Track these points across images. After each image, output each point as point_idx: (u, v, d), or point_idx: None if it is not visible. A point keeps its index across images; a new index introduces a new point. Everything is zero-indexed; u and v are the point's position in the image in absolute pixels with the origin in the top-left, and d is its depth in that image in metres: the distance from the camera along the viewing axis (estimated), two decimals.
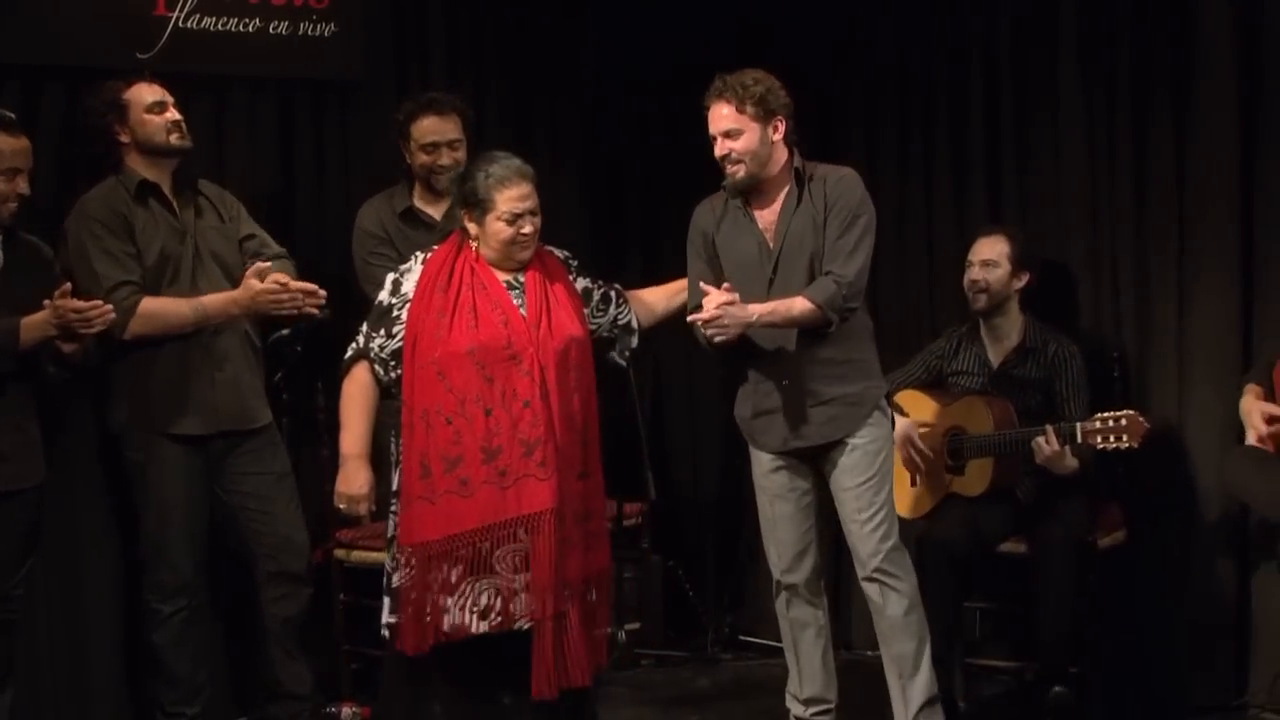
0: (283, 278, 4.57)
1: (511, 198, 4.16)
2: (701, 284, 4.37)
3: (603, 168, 6.15)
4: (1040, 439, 4.80)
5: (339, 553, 5.13)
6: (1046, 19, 5.31)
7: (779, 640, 4.72)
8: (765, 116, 4.33)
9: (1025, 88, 5.42)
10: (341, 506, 4.26)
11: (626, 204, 6.22)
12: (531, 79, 5.92)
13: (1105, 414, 4.74)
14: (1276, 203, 4.90)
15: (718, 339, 4.28)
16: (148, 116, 4.66)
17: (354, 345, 4.24)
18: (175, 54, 5.00)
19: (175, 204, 4.72)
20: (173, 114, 4.67)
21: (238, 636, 5.05)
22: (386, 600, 4.18)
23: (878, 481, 4.43)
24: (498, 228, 4.18)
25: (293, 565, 4.80)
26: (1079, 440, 4.76)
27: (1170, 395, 5.12)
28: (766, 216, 4.44)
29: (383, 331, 4.21)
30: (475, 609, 4.06)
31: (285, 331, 4.92)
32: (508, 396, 4.07)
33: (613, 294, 4.43)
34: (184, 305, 4.61)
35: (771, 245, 4.41)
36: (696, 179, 5.85)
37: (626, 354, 4.46)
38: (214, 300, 4.64)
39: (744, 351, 4.44)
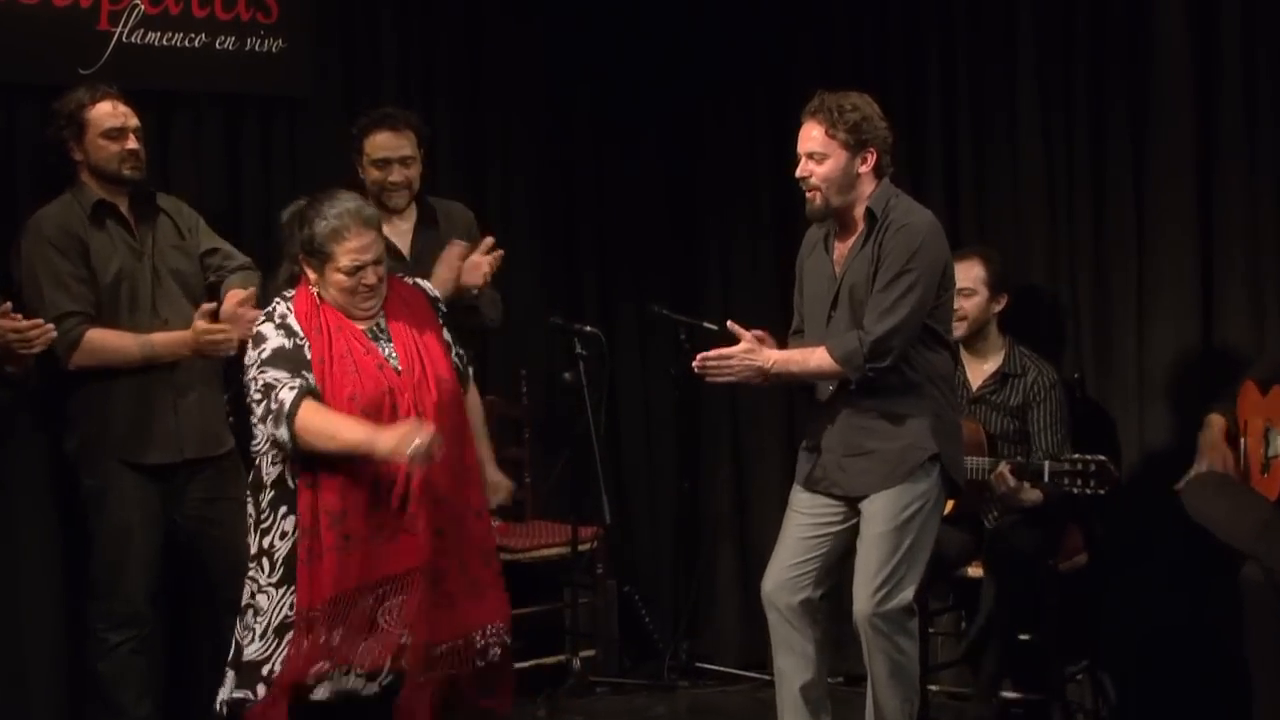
0: (235, 302, 4.57)
1: (351, 250, 3.97)
2: (730, 324, 4.33)
3: (557, 190, 6.15)
4: (999, 471, 4.82)
5: None
6: (1004, 36, 5.38)
7: (737, 667, 4.71)
8: (856, 146, 4.24)
9: (982, 105, 5.48)
10: (423, 447, 3.81)
11: (581, 229, 6.22)
12: (484, 96, 5.92)
13: (1077, 456, 4.74)
14: (1236, 223, 4.96)
15: (708, 379, 4.27)
16: (103, 142, 4.62)
17: (288, 388, 3.90)
18: (119, 69, 4.96)
19: (133, 222, 4.70)
20: (131, 143, 4.63)
21: (184, 668, 5.04)
22: (231, 675, 4.00)
23: (895, 539, 4.22)
24: (338, 279, 4.00)
25: None
26: (1045, 479, 4.76)
27: (1131, 417, 5.17)
28: (841, 249, 4.34)
29: (304, 372, 3.96)
30: (360, 670, 3.93)
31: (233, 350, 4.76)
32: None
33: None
34: (131, 343, 4.58)
35: (837, 280, 4.32)
36: (656, 202, 6.26)
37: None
38: (164, 340, 4.60)
39: (810, 387, 4.40)
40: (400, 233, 5.07)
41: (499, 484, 4.37)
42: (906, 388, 4.26)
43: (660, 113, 6.22)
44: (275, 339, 4.02)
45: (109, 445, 4.65)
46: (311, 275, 4.07)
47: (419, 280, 4.33)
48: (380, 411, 3.95)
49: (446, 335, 4.20)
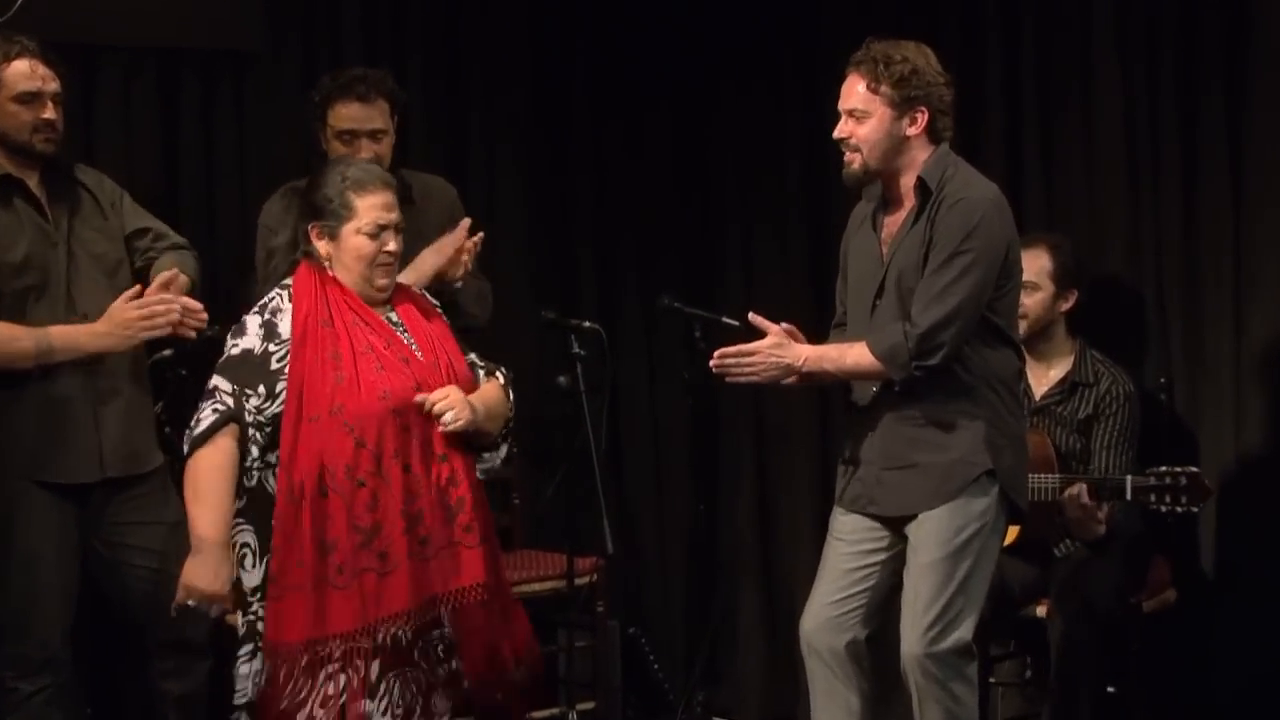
0: (167, 278, 4.47)
1: (375, 205, 4.03)
2: (752, 316, 4.28)
3: (550, 164, 6.13)
4: (1071, 492, 4.73)
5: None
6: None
7: None
8: (903, 103, 4.17)
9: (1050, 69, 5.41)
10: (191, 603, 4.04)
11: (577, 209, 6.17)
12: (465, 53, 5.89)
13: (1164, 469, 4.66)
14: None
15: (728, 379, 4.27)
16: (14, 108, 4.49)
17: (214, 408, 3.99)
18: (35, 19, 4.81)
19: (44, 200, 4.58)
20: (47, 112, 4.51)
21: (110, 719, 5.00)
22: None
23: (947, 567, 4.16)
24: (357, 243, 4.03)
25: (189, 633, 4.60)
26: (1127, 497, 4.70)
27: (1225, 427, 5.12)
28: (890, 227, 4.30)
29: (261, 389, 3.98)
30: (398, 712, 3.94)
31: (168, 352, 4.85)
32: (425, 449, 3.98)
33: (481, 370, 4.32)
34: (23, 334, 4.46)
35: (884, 262, 4.28)
36: (665, 177, 6.20)
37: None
38: (62, 332, 4.49)
39: (847, 388, 4.38)
40: None
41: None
42: (960, 391, 4.19)
43: (670, 73, 6.16)
44: (251, 338, 4.04)
45: (16, 464, 4.52)
46: (323, 247, 4.08)
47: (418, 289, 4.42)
48: (408, 410, 3.99)
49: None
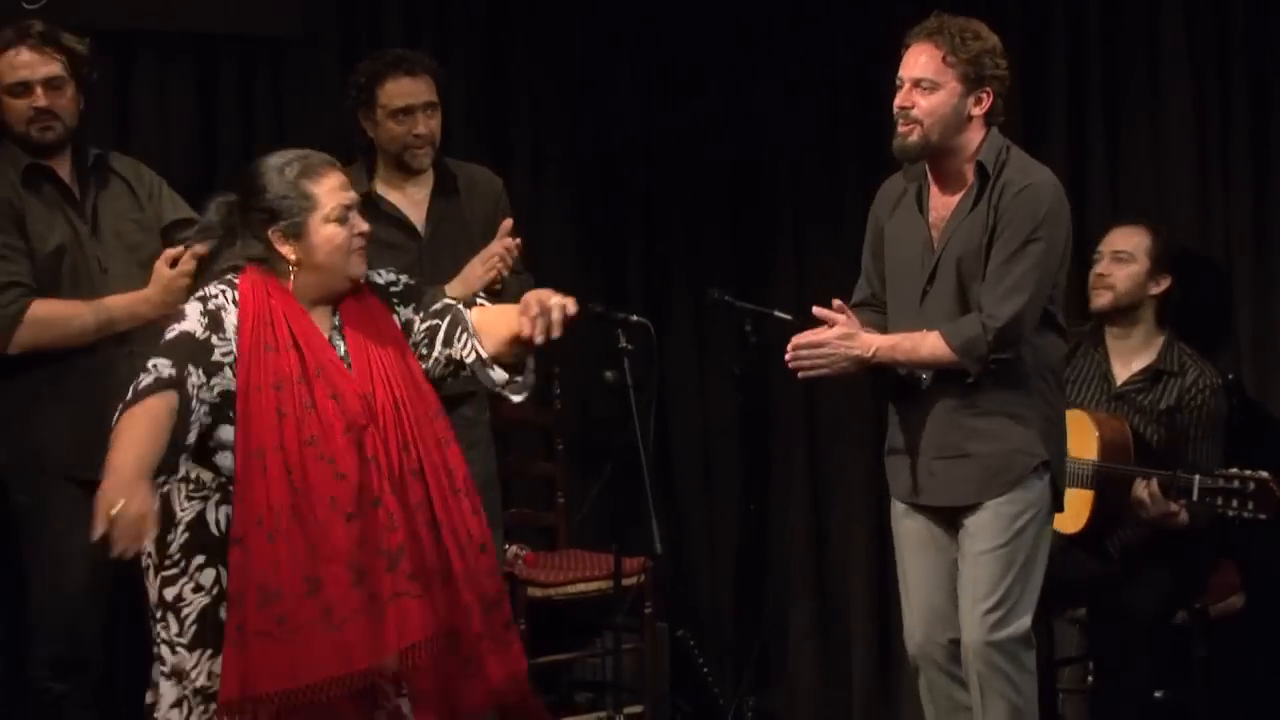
0: (165, 260, 4.46)
1: (334, 187, 3.80)
2: (817, 309, 4.24)
3: (596, 152, 6.11)
4: (1141, 491, 4.70)
5: None
6: None
7: None
8: (973, 81, 4.16)
9: (1116, 48, 5.38)
10: (116, 534, 3.54)
11: (625, 199, 6.14)
12: (509, 39, 5.88)
13: (1233, 471, 4.64)
14: None
15: (801, 375, 4.25)
16: (10, 100, 4.52)
17: (153, 372, 3.67)
18: (69, 5, 4.84)
19: (75, 189, 4.61)
20: (39, 100, 4.51)
21: None
22: None
23: (1006, 555, 4.18)
24: (329, 232, 3.78)
25: None
26: (1194, 498, 4.67)
27: None
28: (940, 210, 4.27)
29: (200, 370, 3.71)
30: None
31: None
32: (365, 494, 3.72)
33: (442, 325, 3.99)
34: (83, 307, 4.48)
35: (935, 247, 4.26)
36: (716, 165, 6.18)
37: (512, 390, 4.03)
38: (120, 301, 4.49)
39: (892, 374, 4.33)
40: (413, 202, 5.00)
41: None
42: (1015, 380, 4.22)
43: (722, 61, 6.13)
44: (190, 322, 3.77)
45: (47, 459, 4.54)
46: (288, 251, 3.81)
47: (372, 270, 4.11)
48: (364, 430, 3.77)
49: (402, 321, 3.98)
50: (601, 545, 5.50)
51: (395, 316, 3.95)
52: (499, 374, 3.93)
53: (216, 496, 3.75)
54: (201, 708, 3.74)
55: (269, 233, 3.81)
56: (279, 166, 3.81)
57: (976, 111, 4.19)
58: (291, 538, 3.69)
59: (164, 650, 3.78)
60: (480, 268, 4.77)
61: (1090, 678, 5.20)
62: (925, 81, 4.16)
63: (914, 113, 4.18)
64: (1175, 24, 5.25)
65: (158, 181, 4.75)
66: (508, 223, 4.85)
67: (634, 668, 5.53)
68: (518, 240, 4.83)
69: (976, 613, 4.19)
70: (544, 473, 5.78)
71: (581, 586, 5.46)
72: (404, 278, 4.02)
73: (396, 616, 3.68)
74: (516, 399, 4.00)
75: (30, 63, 4.50)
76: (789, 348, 4.23)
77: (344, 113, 5.00)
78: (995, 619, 4.17)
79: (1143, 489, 4.71)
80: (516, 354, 3.91)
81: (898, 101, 4.20)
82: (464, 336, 3.91)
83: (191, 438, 3.72)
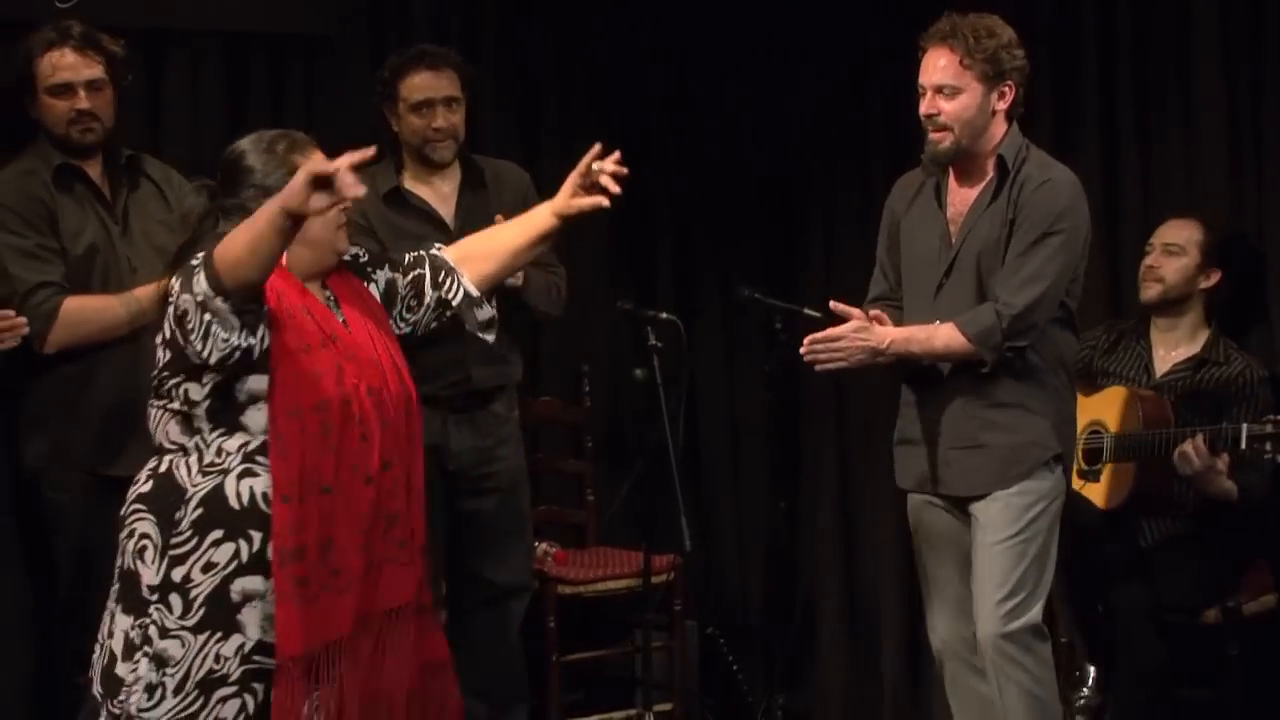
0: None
1: (318, 159, 3.65)
2: (833, 304, 4.27)
3: (625, 148, 5.93)
4: (1187, 446, 4.68)
5: None
6: None
7: None
8: (993, 79, 4.19)
9: (1148, 51, 5.35)
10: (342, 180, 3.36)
11: (654, 196, 6.12)
12: (538, 36, 5.87)
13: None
14: None
15: (818, 368, 4.26)
16: (50, 100, 4.55)
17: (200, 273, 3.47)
18: (103, 2, 4.87)
19: (106, 191, 4.63)
20: (81, 102, 4.54)
21: None
22: None
23: (1020, 545, 4.21)
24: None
25: None
26: (1241, 445, 4.63)
27: None
28: (958, 204, 4.30)
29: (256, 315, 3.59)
30: None
31: None
32: (382, 457, 3.70)
33: (425, 272, 3.92)
34: (113, 301, 4.51)
35: (953, 240, 4.28)
36: (745, 162, 6.19)
37: (487, 330, 3.96)
38: (148, 290, 4.39)
39: (912, 365, 4.35)
40: (441, 196, 5.00)
41: None
42: (1030, 374, 4.24)
43: (750, 55, 6.13)
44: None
45: (78, 456, 4.56)
46: None
47: None
48: (380, 392, 3.70)
49: (383, 285, 3.90)
50: (631, 543, 5.52)
51: (374, 286, 3.90)
52: (485, 312, 3.92)
53: (240, 468, 3.63)
54: (196, 695, 3.61)
55: (253, 200, 3.69)
56: (267, 144, 3.75)
57: (1000, 106, 4.21)
58: (334, 497, 3.64)
59: (151, 632, 3.62)
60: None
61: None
62: (947, 87, 4.19)
63: (941, 119, 4.20)
64: (1208, 20, 5.23)
65: (188, 186, 4.66)
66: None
67: (663, 665, 5.54)
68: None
69: (990, 604, 4.22)
70: (573, 470, 5.78)
71: (611, 584, 5.49)
72: (362, 248, 3.96)
73: (385, 581, 3.67)
74: (490, 339, 3.96)
75: (74, 65, 4.53)
76: (805, 341, 4.25)
77: (372, 109, 5.02)
78: (1008, 609, 4.20)
79: (1188, 444, 4.69)
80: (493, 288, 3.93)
81: (922, 110, 4.22)
82: (448, 278, 3.88)
83: (207, 353, 3.54)
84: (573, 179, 3.94)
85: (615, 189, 3.82)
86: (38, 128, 4.58)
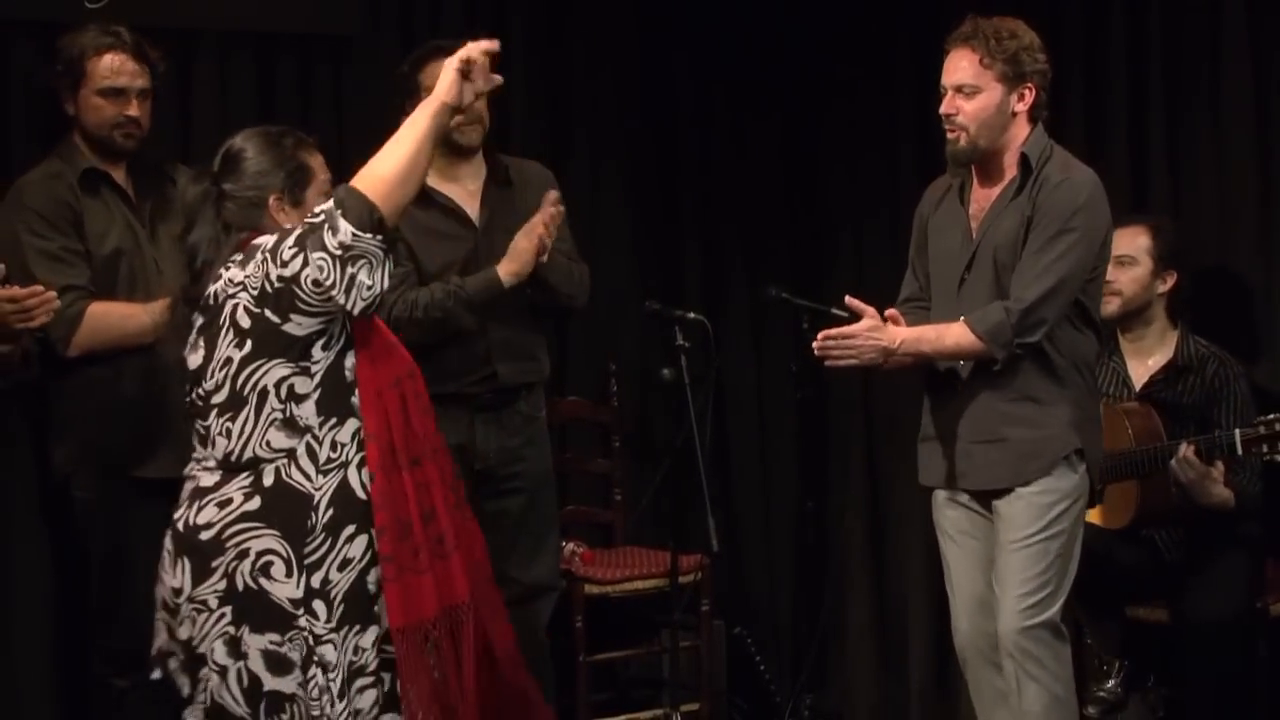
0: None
1: (321, 162, 3.84)
2: (848, 299, 4.30)
3: (655, 149, 6.10)
4: (1181, 455, 4.70)
5: None
6: None
7: None
8: (1014, 79, 4.23)
9: (1180, 54, 5.34)
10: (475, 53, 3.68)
11: (682, 196, 6.13)
12: (568, 35, 5.87)
13: (1272, 416, 4.62)
14: None
15: (828, 364, 4.29)
16: (99, 101, 4.57)
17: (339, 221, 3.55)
18: (130, 3, 4.89)
19: (132, 194, 4.66)
20: (131, 109, 4.58)
21: None
22: None
23: (1041, 544, 4.23)
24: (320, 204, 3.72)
25: None
26: (1238, 451, 4.63)
27: None
28: (980, 202, 4.34)
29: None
30: None
31: None
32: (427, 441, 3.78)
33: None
34: (138, 308, 4.49)
35: (974, 236, 4.32)
36: (773, 162, 6.18)
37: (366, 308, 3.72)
38: (162, 305, 4.42)
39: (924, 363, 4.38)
40: (466, 193, 4.98)
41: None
42: (1049, 371, 4.26)
43: (777, 54, 6.13)
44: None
45: (108, 456, 4.58)
46: (285, 220, 3.75)
47: None
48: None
49: None
50: (658, 542, 5.53)
51: None
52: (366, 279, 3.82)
53: (358, 457, 3.68)
54: (345, 689, 3.66)
55: (271, 199, 3.77)
56: (274, 139, 3.80)
57: (1020, 108, 4.24)
58: (424, 468, 3.71)
59: (310, 643, 3.64)
60: (524, 240, 4.76)
61: (1161, 713, 5.10)
62: (966, 87, 4.23)
63: (958, 119, 4.24)
64: (1237, 22, 5.22)
65: (187, 174, 4.71)
66: (552, 194, 4.86)
67: (691, 665, 5.53)
68: (560, 208, 4.83)
69: (1011, 601, 4.23)
70: (601, 469, 5.77)
71: (638, 584, 5.50)
72: None
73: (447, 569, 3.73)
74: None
75: (132, 72, 4.58)
76: (819, 337, 4.28)
77: (397, 110, 4.95)
78: (1029, 606, 4.21)
79: (1184, 450, 4.70)
80: None
81: (942, 109, 4.27)
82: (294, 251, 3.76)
83: (351, 304, 3.57)
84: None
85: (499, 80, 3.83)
86: (68, 126, 4.60)
